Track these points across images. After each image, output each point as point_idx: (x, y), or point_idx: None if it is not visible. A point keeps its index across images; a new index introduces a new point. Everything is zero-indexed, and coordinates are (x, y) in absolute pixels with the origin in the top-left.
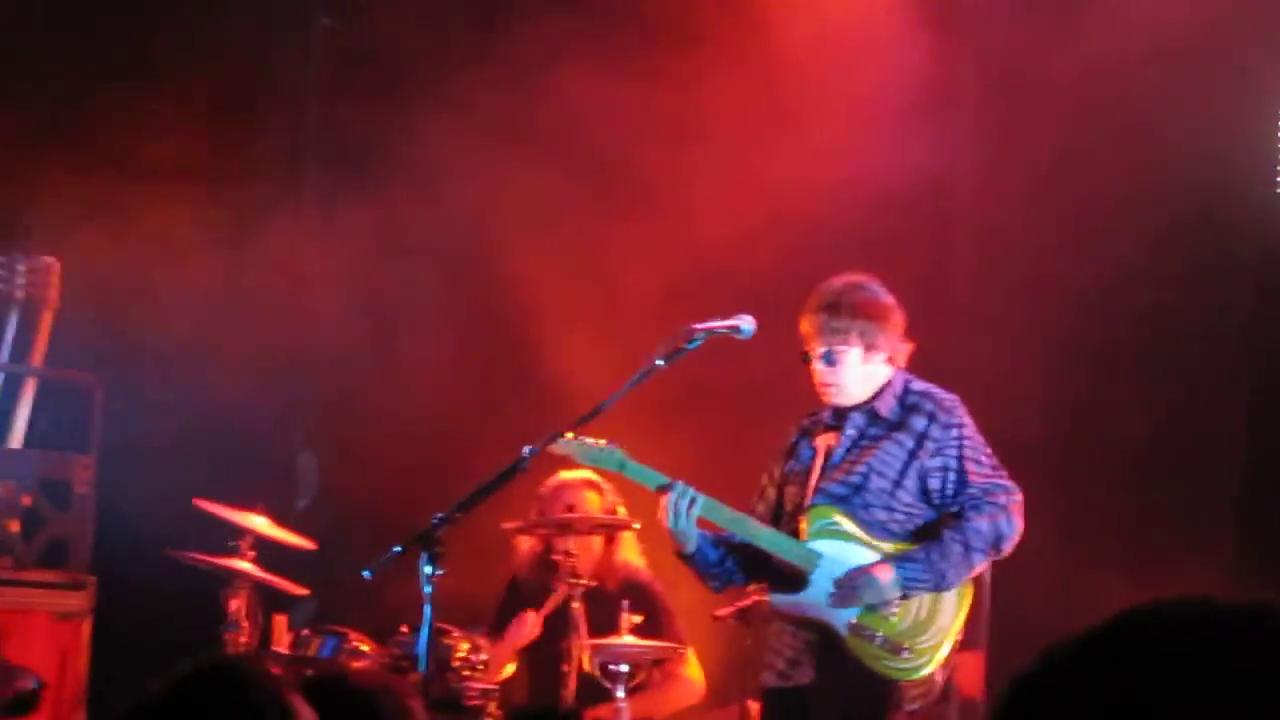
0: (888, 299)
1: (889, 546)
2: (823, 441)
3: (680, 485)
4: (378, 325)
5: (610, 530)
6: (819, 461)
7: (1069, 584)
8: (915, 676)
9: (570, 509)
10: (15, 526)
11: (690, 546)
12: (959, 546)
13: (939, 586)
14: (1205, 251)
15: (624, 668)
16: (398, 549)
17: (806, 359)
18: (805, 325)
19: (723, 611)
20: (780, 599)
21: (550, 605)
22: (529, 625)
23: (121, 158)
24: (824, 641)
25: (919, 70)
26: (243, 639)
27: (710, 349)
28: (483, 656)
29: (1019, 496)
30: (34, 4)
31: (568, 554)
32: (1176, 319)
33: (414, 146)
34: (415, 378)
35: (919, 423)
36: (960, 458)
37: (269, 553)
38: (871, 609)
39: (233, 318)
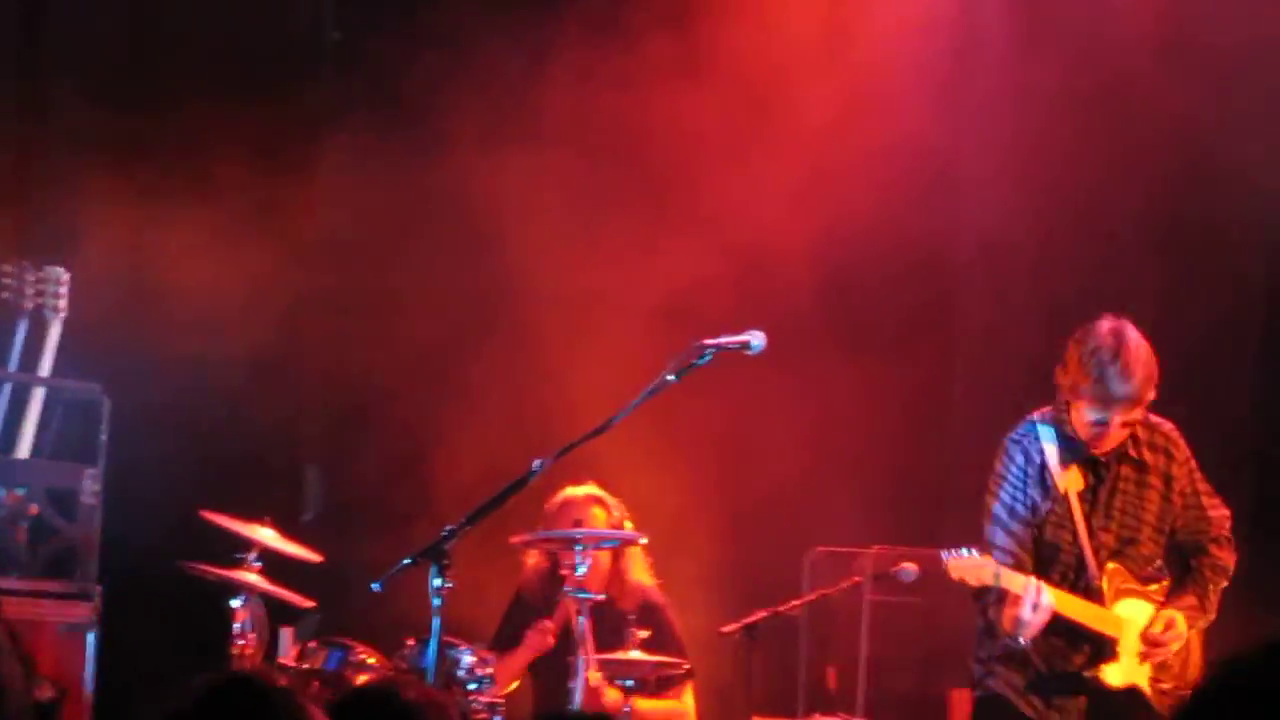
0: None
1: (1159, 591)
2: (1067, 481)
3: (1035, 581)
4: (384, 339)
5: (617, 546)
6: (1077, 505)
7: None
8: None
9: (577, 524)
10: (22, 536)
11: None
12: (1213, 583)
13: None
14: (1216, 266)
15: (629, 682)
16: (407, 561)
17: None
18: None
19: (729, 628)
20: (1112, 676)
21: (561, 616)
22: (545, 633)
23: (125, 173)
24: (1099, 697)
25: (944, 84)
26: (249, 650)
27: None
28: (489, 670)
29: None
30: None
31: (574, 569)
32: (1188, 333)
33: (417, 152)
34: (421, 391)
35: (1160, 462)
36: (1197, 493)
37: (275, 565)
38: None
39: (237, 331)
